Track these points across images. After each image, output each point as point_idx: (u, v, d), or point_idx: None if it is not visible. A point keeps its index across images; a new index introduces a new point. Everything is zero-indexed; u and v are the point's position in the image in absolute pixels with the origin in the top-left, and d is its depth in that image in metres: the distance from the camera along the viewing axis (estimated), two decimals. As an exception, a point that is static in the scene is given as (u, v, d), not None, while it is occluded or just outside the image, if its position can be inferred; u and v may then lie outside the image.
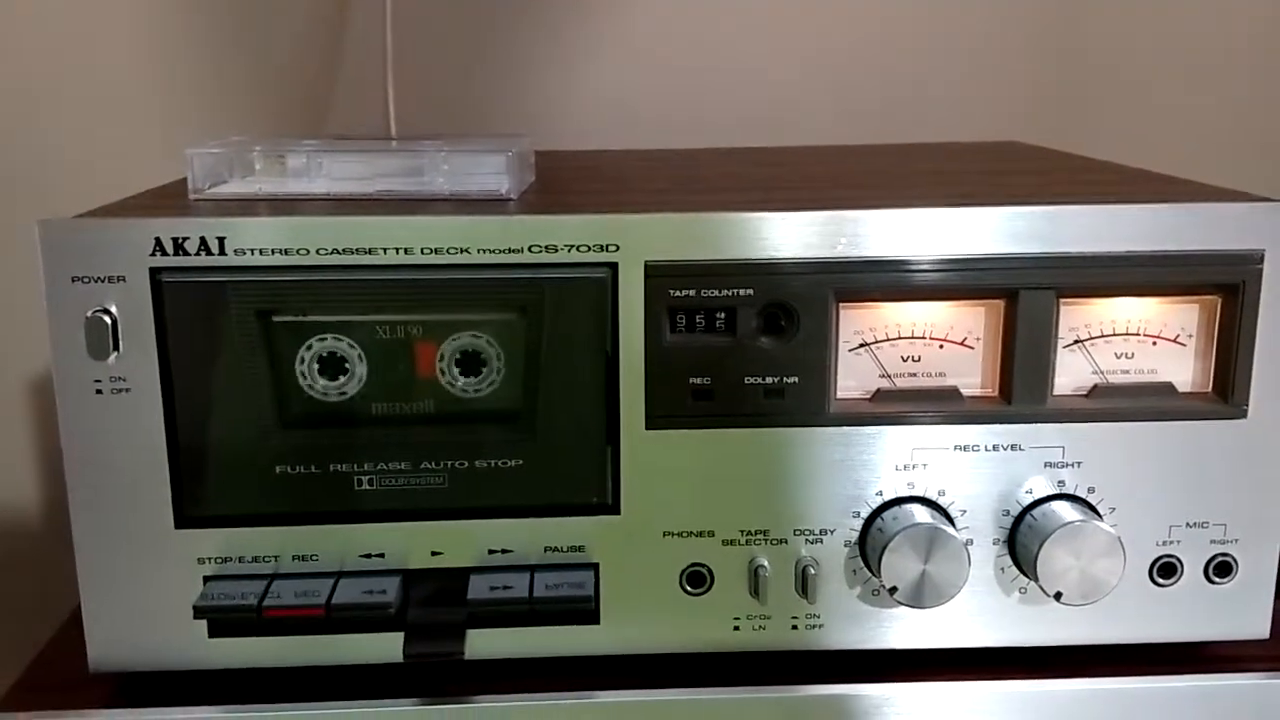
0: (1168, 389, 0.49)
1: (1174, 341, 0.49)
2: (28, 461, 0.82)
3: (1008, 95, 0.84)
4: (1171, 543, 0.50)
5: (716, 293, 0.47)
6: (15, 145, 0.78)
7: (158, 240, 0.45)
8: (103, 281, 0.45)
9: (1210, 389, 0.49)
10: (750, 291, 0.47)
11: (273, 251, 0.46)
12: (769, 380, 0.47)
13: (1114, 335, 0.49)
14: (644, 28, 0.82)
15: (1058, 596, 0.48)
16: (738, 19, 0.82)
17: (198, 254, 0.45)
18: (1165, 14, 0.83)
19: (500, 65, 0.83)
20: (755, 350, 0.47)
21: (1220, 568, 0.50)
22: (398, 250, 0.46)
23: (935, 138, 0.81)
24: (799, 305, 0.47)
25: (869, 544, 0.49)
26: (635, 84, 0.83)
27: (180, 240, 0.45)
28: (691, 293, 0.47)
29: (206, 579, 0.48)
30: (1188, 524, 0.50)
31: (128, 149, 0.78)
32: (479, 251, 0.46)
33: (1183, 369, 0.49)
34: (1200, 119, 0.84)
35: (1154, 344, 0.49)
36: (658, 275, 0.46)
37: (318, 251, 0.46)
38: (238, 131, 0.77)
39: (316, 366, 0.47)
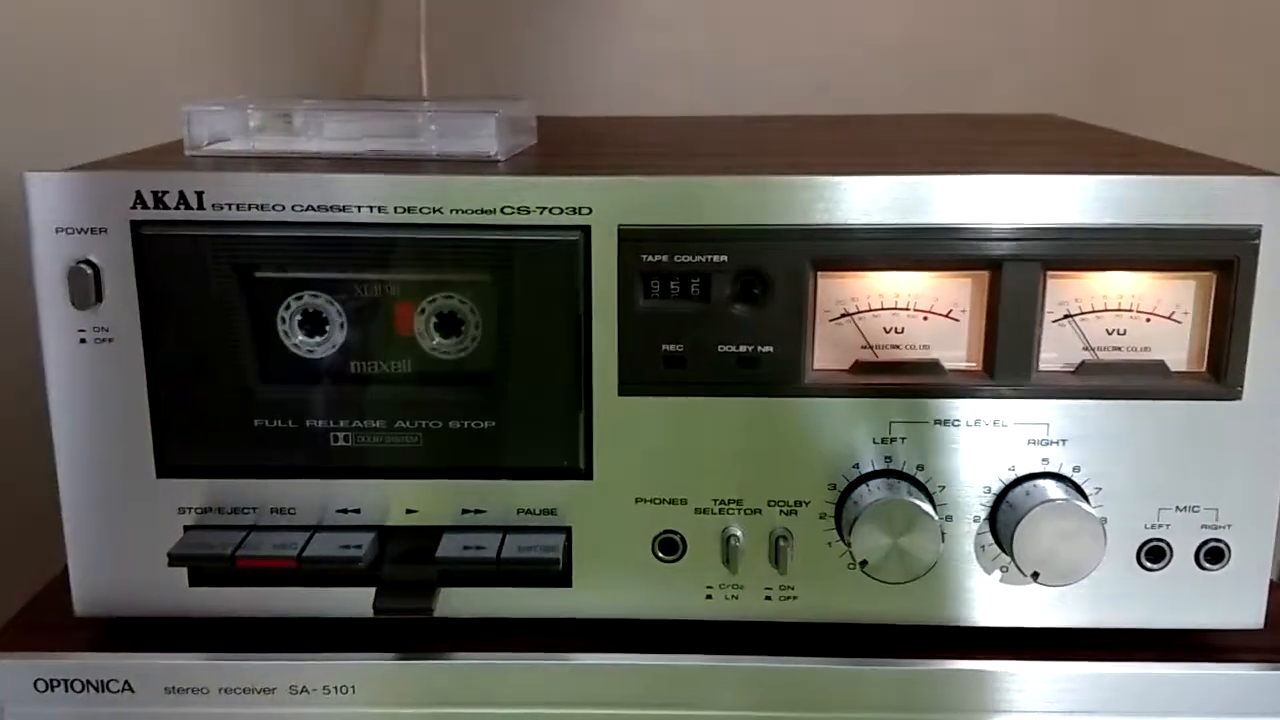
0: (1160, 367, 0.48)
1: (1168, 318, 0.48)
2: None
3: (1054, 68, 0.82)
4: (1161, 526, 0.48)
5: (690, 258, 0.46)
6: (51, 102, 0.80)
7: (138, 194, 0.46)
8: (85, 233, 0.46)
9: (1204, 368, 0.48)
10: (724, 258, 0.46)
11: (249, 207, 0.46)
12: (742, 349, 0.47)
13: (1105, 310, 0.48)
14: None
15: (1035, 577, 0.47)
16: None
17: (176, 208, 0.46)
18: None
19: (538, 30, 0.83)
20: (729, 318, 0.47)
21: (1212, 553, 0.48)
22: (371, 208, 0.46)
23: (978, 107, 0.79)
24: (774, 273, 0.46)
25: (844, 517, 0.48)
26: (671, 51, 0.82)
27: (160, 194, 0.46)
28: (665, 258, 0.46)
29: (187, 529, 0.49)
30: (1178, 507, 0.48)
31: (157, 109, 0.79)
32: (452, 212, 0.46)
33: (1176, 347, 0.48)
34: (1246, 94, 0.81)
35: (1147, 320, 0.48)
36: (631, 239, 0.46)
37: (293, 208, 0.46)
38: (273, 94, 0.78)
39: (298, 321, 0.48)
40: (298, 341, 0.48)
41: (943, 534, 0.47)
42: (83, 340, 0.47)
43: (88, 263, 0.46)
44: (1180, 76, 0.82)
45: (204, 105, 0.54)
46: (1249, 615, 0.49)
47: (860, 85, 0.82)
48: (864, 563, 0.47)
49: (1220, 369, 0.47)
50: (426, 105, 0.53)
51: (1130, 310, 0.48)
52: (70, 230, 0.46)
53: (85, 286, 0.46)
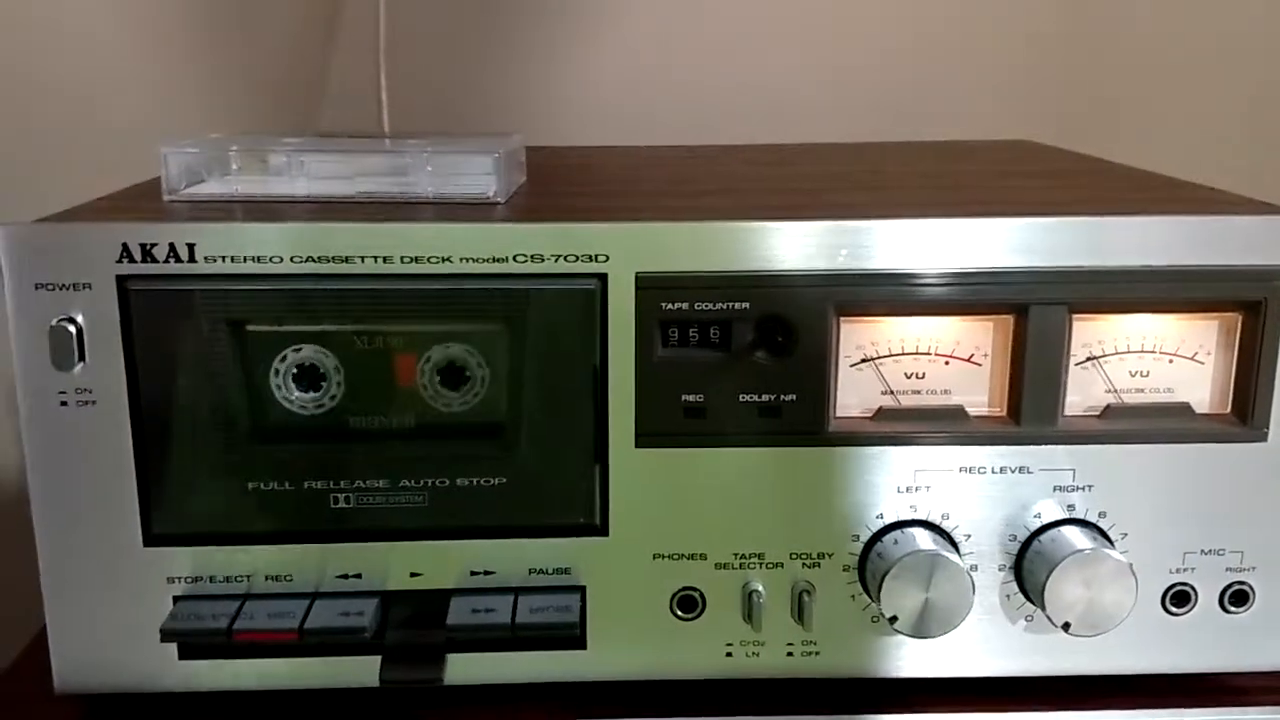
0: (1184, 410, 0.47)
1: (1191, 359, 0.47)
2: None
3: (1019, 91, 0.82)
4: (1186, 570, 0.47)
5: (710, 305, 0.44)
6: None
7: (125, 246, 0.43)
8: (67, 289, 0.43)
9: (1229, 410, 0.47)
10: (746, 305, 0.44)
11: (245, 259, 0.43)
12: (765, 398, 0.45)
13: (1128, 352, 0.47)
14: (645, 19, 0.80)
15: (1066, 627, 0.46)
16: (748, 10, 0.80)
17: (166, 261, 0.43)
18: (1183, 9, 0.81)
19: (497, 58, 0.81)
20: (751, 366, 0.45)
21: (1236, 596, 0.48)
22: (376, 259, 0.44)
23: (944, 133, 0.79)
24: (797, 319, 0.45)
25: (869, 569, 0.46)
26: (635, 77, 0.81)
27: (149, 246, 0.43)
28: (684, 305, 0.44)
29: (176, 599, 0.46)
30: (1203, 551, 0.47)
31: (110, 145, 0.76)
32: (461, 260, 0.44)
33: (1200, 388, 0.47)
34: (1214, 116, 0.82)
35: (1170, 362, 0.47)
36: (649, 287, 0.44)
37: (292, 259, 0.43)
38: (227, 126, 0.75)
39: (292, 378, 0.45)
40: (297, 399, 0.45)
41: (973, 585, 0.45)
42: (64, 403, 0.44)
43: (69, 320, 0.43)
44: (1141, 100, 0.82)
45: (181, 146, 0.51)
46: (1273, 656, 0.48)
47: (816, 112, 0.81)
48: (894, 619, 0.45)
49: (1246, 411, 0.46)
50: (421, 144, 0.51)
51: (1154, 351, 0.47)
52: (51, 286, 0.43)
53: (67, 346, 0.43)
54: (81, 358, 0.44)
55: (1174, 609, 0.48)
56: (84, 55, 0.77)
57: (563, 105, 0.81)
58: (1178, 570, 0.47)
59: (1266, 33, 0.81)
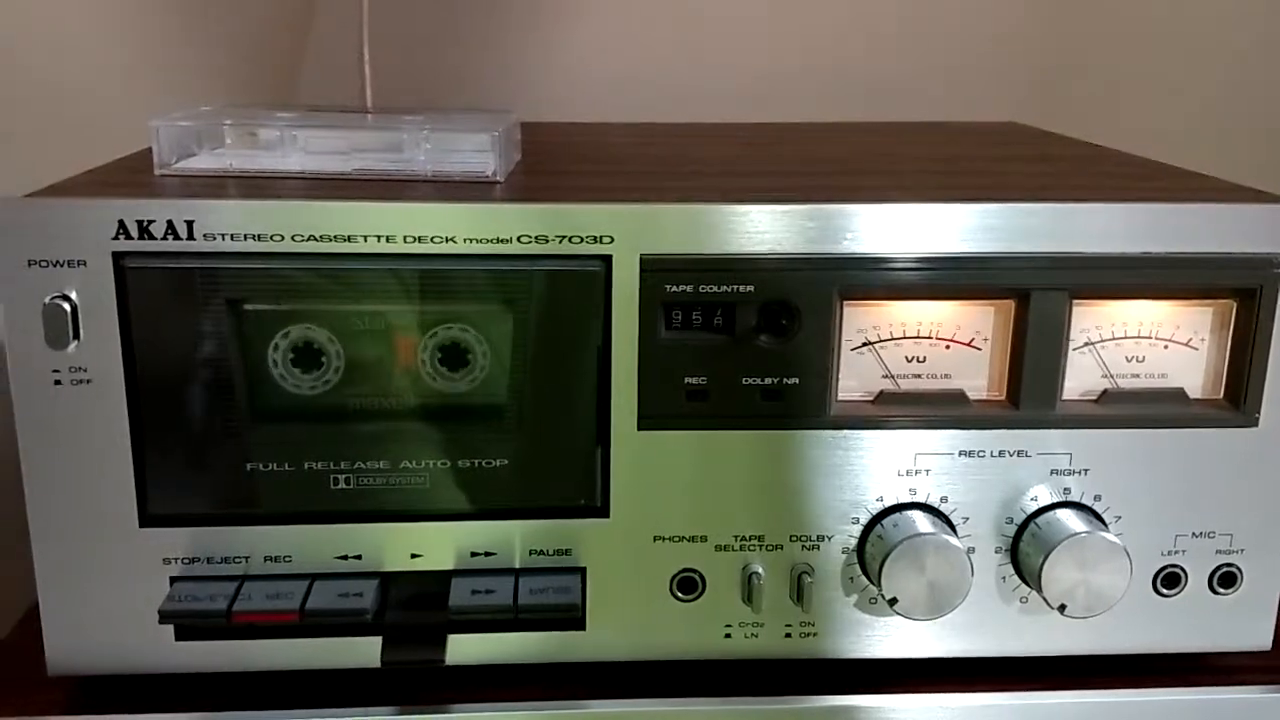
0: (1179, 395, 0.47)
1: (1186, 345, 0.47)
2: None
3: (1000, 72, 0.82)
4: (1177, 553, 0.48)
5: (715, 288, 0.44)
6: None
7: (121, 223, 0.42)
8: (61, 266, 0.42)
9: (1222, 396, 0.47)
10: (750, 288, 0.44)
11: (245, 236, 0.43)
12: (767, 381, 0.45)
13: (1125, 338, 0.47)
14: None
15: (1061, 609, 0.46)
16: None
17: (164, 238, 0.43)
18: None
19: (482, 29, 0.80)
20: (754, 349, 0.45)
21: (1224, 578, 0.49)
22: (378, 238, 0.43)
23: (930, 113, 0.79)
24: (800, 303, 0.45)
25: (868, 551, 0.47)
26: (624, 52, 0.80)
27: (145, 223, 0.42)
28: (688, 288, 0.44)
29: (173, 580, 0.45)
30: (1194, 534, 0.48)
31: (89, 116, 0.74)
32: (465, 241, 0.43)
33: (1194, 374, 0.48)
34: (1195, 97, 0.83)
35: (1165, 347, 0.47)
36: (654, 269, 0.44)
37: (293, 237, 0.43)
38: (204, 98, 0.74)
39: (291, 357, 0.45)
40: (296, 379, 0.45)
41: (972, 568, 0.46)
42: (58, 381, 0.43)
43: (64, 298, 0.42)
44: (1115, 79, 0.82)
45: (172, 119, 0.50)
46: (1258, 637, 0.49)
47: (805, 92, 0.81)
48: (894, 601, 0.46)
49: (1238, 397, 0.47)
50: (418, 120, 0.50)
51: (1149, 337, 0.47)
52: (44, 263, 0.42)
53: (61, 323, 0.42)
54: (76, 336, 0.43)
55: (1164, 590, 0.49)
56: (56, 23, 0.75)
57: (549, 81, 0.80)
58: (1169, 553, 0.48)
59: (1260, 12, 0.81)
